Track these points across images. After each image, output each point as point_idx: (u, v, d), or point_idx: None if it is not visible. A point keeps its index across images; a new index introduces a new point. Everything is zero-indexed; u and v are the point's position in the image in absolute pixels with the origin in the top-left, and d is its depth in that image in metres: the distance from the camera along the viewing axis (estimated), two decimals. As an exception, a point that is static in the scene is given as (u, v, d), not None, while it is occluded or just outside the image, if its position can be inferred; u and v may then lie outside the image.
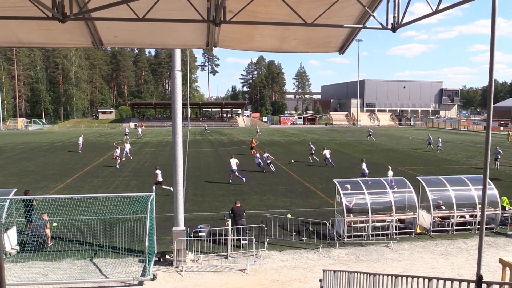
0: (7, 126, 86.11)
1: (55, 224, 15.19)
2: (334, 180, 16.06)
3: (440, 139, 42.97)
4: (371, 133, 57.15)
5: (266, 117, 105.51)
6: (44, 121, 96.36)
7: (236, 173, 24.63)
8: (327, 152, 31.36)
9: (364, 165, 24.41)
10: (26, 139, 56.80)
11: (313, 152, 33.90)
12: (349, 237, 14.78)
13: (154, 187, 21.14)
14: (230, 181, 24.75)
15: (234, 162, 24.91)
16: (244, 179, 24.56)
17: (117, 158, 31.54)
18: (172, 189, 15.04)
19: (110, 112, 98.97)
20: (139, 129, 64.37)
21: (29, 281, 11.25)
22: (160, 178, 21.96)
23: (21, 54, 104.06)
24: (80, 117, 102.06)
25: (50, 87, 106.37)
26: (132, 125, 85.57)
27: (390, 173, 22.39)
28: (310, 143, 36.89)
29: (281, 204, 19.80)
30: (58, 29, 7.38)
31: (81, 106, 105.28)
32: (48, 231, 14.15)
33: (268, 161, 28.83)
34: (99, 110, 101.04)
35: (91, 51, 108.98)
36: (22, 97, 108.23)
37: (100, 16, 6.43)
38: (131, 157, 35.44)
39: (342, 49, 7.65)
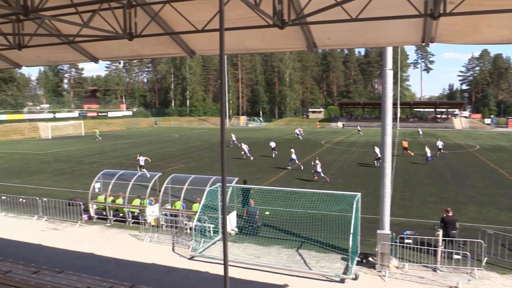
0: (231, 123, 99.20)
1: (267, 212, 16.79)
2: None
3: None
4: None
5: (489, 119, 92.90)
6: (261, 119, 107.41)
7: (297, 162, 29.62)
8: None
9: None
10: (246, 134, 64.22)
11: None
12: None
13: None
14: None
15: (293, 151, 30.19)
16: (327, 178, 24.93)
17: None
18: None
19: (320, 112, 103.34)
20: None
21: (244, 260, 12.77)
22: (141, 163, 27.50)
23: (244, 59, 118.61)
24: (292, 116, 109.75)
25: (267, 89, 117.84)
26: (340, 124, 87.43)
27: None
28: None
29: (506, 219, 17.23)
30: (277, 35, 8.10)
31: (293, 106, 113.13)
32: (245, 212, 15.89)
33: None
34: (309, 110, 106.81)
35: (304, 53, 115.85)
36: (244, 98, 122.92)
37: (315, 20, 6.78)
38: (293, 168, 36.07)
39: None
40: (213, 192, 15.25)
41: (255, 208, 15.78)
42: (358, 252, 13.27)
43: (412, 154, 36.92)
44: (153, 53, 10.36)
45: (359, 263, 12.71)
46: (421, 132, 60.32)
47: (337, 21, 6.63)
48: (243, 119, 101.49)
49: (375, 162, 30.79)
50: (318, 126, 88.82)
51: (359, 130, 70.99)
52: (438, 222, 14.52)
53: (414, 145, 46.50)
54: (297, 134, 58.66)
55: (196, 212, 15.12)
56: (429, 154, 32.25)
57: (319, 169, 25.35)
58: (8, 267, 9.62)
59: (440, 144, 37.07)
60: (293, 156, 30.18)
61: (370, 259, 12.92)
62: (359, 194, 13.52)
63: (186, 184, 16.71)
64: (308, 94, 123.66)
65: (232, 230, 15.57)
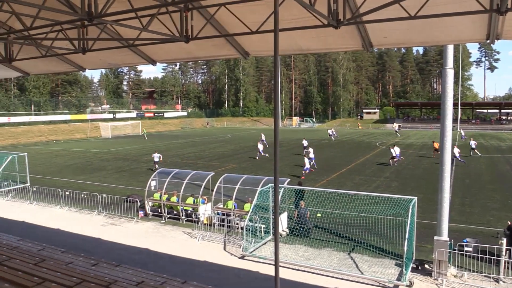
0: (284, 124, 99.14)
1: (319, 214, 16.61)
2: None
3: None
4: None
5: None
6: (314, 119, 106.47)
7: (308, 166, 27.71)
8: None
9: None
10: (299, 135, 63.89)
11: None
12: None
13: None
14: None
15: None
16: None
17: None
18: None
19: (375, 113, 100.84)
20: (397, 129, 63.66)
21: (295, 261, 12.71)
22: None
23: (297, 60, 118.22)
24: (346, 117, 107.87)
25: (320, 89, 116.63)
26: (396, 125, 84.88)
27: None
28: None
29: None
30: (332, 35, 8.01)
31: (347, 107, 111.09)
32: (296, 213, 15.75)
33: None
34: (363, 110, 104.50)
35: (359, 53, 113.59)
36: (297, 98, 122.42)
37: (371, 18, 6.63)
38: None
39: None
40: (265, 192, 15.31)
41: (305, 209, 15.67)
42: (413, 258, 12.81)
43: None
44: (208, 55, 10.58)
45: (414, 270, 12.27)
46: (463, 134, 57.60)
47: (395, 19, 6.44)
48: (295, 120, 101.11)
49: (390, 161, 32.21)
50: (360, 127, 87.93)
51: (396, 131, 68.81)
52: (502, 230, 13.72)
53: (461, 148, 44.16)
54: (330, 135, 58.43)
55: (248, 212, 15.26)
56: (457, 155, 31.79)
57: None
58: (70, 259, 10.18)
59: (473, 144, 37.72)
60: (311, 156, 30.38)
61: (426, 266, 12.44)
62: (415, 198, 13.04)
63: (238, 184, 16.90)
64: (362, 95, 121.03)
65: (283, 231, 15.56)
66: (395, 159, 32.18)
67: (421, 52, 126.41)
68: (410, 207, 12.37)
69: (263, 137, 46.93)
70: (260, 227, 15.02)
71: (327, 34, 7.91)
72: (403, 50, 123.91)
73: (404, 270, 11.70)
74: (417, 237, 13.66)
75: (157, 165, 30.01)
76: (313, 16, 6.79)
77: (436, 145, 36.48)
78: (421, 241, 14.21)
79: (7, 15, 8.38)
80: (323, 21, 6.96)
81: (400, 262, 12.51)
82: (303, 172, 27.07)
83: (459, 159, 31.77)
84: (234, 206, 16.70)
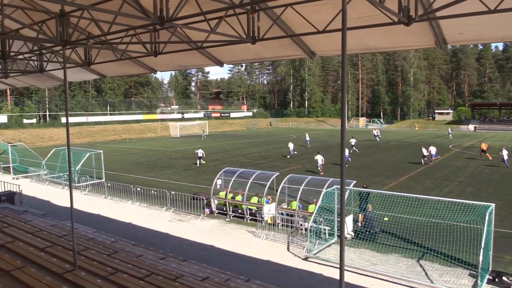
0: (350, 124, 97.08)
1: (386, 219, 16.08)
2: None
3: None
4: None
5: None
6: (382, 120, 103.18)
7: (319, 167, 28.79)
8: None
9: None
10: (365, 136, 62.28)
11: None
12: None
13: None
14: None
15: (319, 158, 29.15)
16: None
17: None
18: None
19: (448, 113, 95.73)
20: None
21: (360, 266, 12.40)
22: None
23: (365, 59, 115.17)
24: (416, 117, 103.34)
25: (388, 89, 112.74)
26: (471, 127, 79.98)
27: None
28: None
29: None
30: (402, 33, 7.72)
31: (417, 107, 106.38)
32: (360, 216, 15.53)
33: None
34: (435, 111, 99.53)
35: (430, 51, 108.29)
36: (364, 99, 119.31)
37: (445, 14, 6.30)
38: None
39: None
40: (330, 194, 15.09)
41: (373, 213, 15.23)
42: (490, 269, 11.97)
43: (491, 158, 35.19)
44: (274, 55, 10.64)
45: (490, 282, 11.48)
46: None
47: (472, 14, 6.06)
48: (362, 120, 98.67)
49: (422, 160, 33.36)
50: (417, 129, 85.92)
51: (449, 133, 64.38)
52: None
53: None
54: (374, 136, 58.20)
55: (312, 213, 15.13)
56: (505, 157, 31.60)
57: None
58: (140, 252, 10.73)
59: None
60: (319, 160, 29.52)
61: (504, 278, 11.58)
62: (493, 205, 12.20)
63: (303, 184, 16.81)
64: (434, 94, 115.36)
65: (348, 234, 15.24)
66: (425, 158, 33.38)
67: (500, 48, 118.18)
68: (487, 214, 11.60)
69: (307, 137, 50.00)
70: (325, 229, 14.84)
71: (397, 31, 7.64)
72: (480, 47, 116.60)
73: (479, 281, 11.00)
74: (494, 247, 12.78)
75: (202, 160, 33.82)
76: (382, 13, 6.58)
77: (484, 146, 36.49)
78: (499, 251, 13.27)
79: (86, 22, 9.00)
80: (393, 18, 6.73)
81: (474, 272, 11.76)
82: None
83: (505, 162, 31.32)
84: (299, 206, 16.64)
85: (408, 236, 14.56)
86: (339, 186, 14.69)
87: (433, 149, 34.62)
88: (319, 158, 29.02)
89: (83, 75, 15.64)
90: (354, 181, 16.73)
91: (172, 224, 17.35)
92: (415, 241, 14.32)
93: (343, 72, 4.16)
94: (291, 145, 39.77)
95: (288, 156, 38.25)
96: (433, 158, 34.38)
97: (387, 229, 15.40)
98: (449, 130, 67.12)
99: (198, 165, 33.43)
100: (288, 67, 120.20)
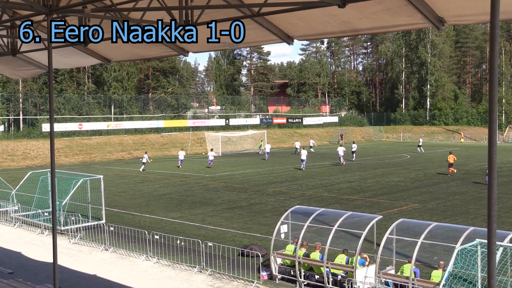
0: (505, 138, 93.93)
1: None
2: None
3: None
4: None
5: None
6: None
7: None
8: None
9: None
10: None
11: None
12: None
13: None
14: None
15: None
16: None
17: None
18: None
19: None
20: None
21: None
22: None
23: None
24: None
25: None
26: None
27: None
28: None
29: None
30: None
31: None
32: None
33: None
34: None
35: None
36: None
37: None
38: None
39: None
40: (468, 253, 14.62)
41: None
42: None
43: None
44: (376, 26, 10.49)
45: None
46: None
47: None
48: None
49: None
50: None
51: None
52: None
53: None
54: (419, 146, 73.70)
55: (438, 284, 14.73)
56: None
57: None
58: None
59: None
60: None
61: None
62: None
63: (422, 236, 16.40)
64: None
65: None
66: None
67: None
68: None
69: (354, 148, 58.14)
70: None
71: None
72: None
73: None
74: None
75: (144, 167, 40.30)
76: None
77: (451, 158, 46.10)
78: None
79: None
80: None
81: None
82: None
83: None
84: (415, 273, 16.26)
85: None
86: (484, 241, 14.20)
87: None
88: (340, 150, 32.00)
89: (77, 59, 16.12)
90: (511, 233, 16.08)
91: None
92: None
93: (492, 51, 4.03)
94: (340, 149, 45.96)
95: (343, 163, 41.59)
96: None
97: None
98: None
99: (141, 170, 40.75)
100: (398, 43, 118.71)
